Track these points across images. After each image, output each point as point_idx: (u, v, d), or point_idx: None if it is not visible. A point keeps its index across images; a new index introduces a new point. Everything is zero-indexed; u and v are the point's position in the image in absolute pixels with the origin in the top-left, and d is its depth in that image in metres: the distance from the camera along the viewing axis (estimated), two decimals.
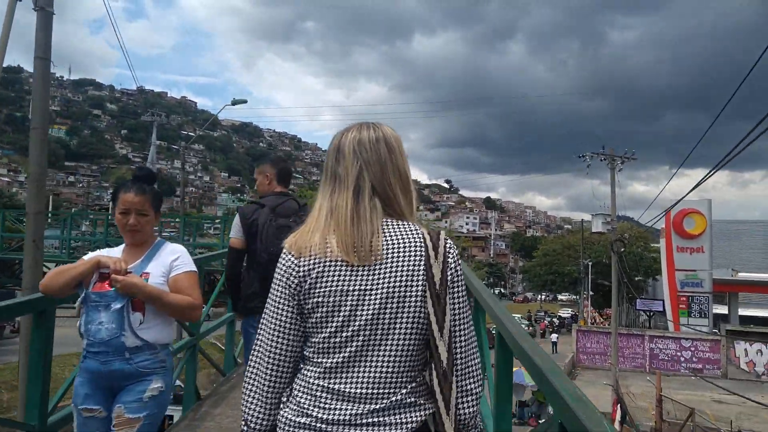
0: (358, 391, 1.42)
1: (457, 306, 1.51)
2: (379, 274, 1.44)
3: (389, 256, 1.46)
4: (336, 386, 1.44)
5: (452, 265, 1.51)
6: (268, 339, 1.51)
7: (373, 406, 1.42)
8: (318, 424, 1.42)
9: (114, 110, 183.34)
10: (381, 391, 1.43)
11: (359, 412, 1.41)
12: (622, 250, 23.17)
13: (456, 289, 1.51)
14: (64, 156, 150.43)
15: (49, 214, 26.88)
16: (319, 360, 1.46)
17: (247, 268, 3.62)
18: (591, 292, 47.09)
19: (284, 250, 1.52)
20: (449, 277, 1.49)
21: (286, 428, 1.46)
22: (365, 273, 1.44)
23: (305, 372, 1.50)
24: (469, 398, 1.50)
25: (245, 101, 22.81)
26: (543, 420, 15.67)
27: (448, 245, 1.53)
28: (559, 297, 75.45)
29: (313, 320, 1.46)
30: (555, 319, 51.07)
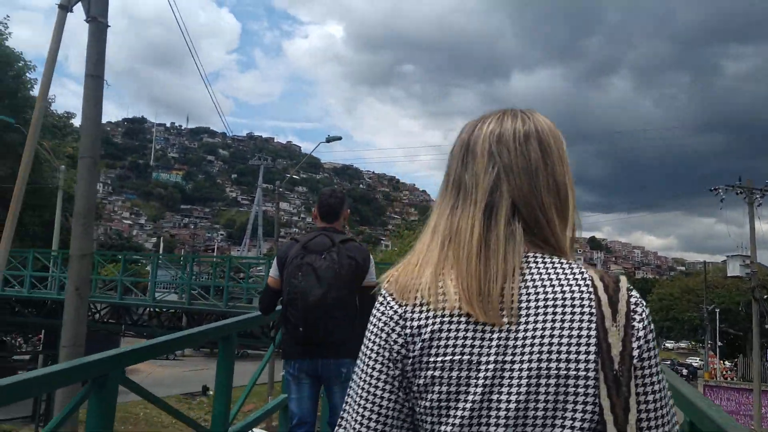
0: None
1: (648, 397, 0.91)
2: (522, 339, 0.91)
3: (535, 312, 0.92)
4: None
5: (641, 333, 0.93)
6: (354, 425, 0.97)
7: None
8: None
9: (226, 156, 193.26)
10: None
11: None
12: (766, 296, 20.63)
13: (647, 371, 0.92)
14: (181, 199, 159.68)
15: (160, 256, 27.71)
16: None
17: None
18: (716, 342, 43.04)
19: (382, 291, 1.03)
20: (637, 352, 0.91)
21: None
22: (502, 336, 0.92)
23: None
24: None
25: (340, 138, 23.25)
26: None
27: (633, 300, 0.95)
28: (666, 344, 69.90)
29: (427, 404, 0.93)
30: (684, 369, 46.64)
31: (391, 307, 1.00)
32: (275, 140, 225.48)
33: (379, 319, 1.01)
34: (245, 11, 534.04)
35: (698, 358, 52.32)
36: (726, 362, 43.62)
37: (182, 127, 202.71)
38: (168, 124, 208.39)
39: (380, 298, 1.02)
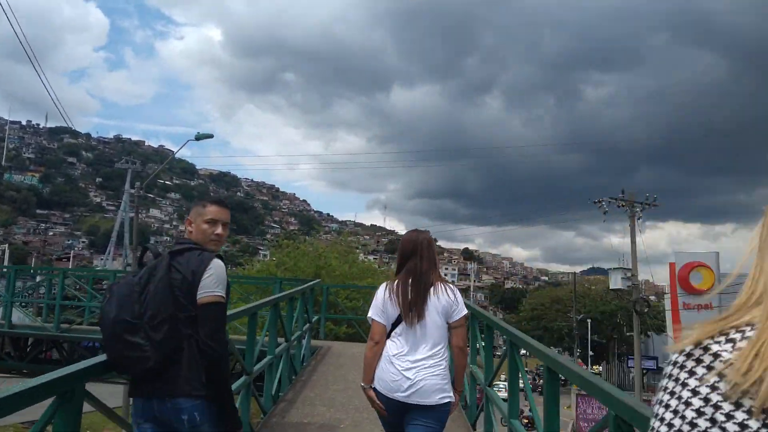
0: None
1: None
2: None
3: None
4: None
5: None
6: None
7: None
8: None
9: (90, 158, 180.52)
10: None
11: None
12: (647, 310, 21.18)
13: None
14: (36, 203, 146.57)
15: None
16: None
17: None
18: (580, 350, 45.01)
19: (676, 354, 0.76)
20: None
21: None
22: None
23: None
24: None
25: (211, 136, 21.64)
26: None
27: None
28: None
29: None
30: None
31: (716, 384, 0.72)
32: (146, 143, 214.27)
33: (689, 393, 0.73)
34: (114, 7, 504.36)
35: None
36: (594, 368, 45.66)
37: (40, 126, 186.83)
38: (24, 122, 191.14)
39: (680, 363, 0.75)
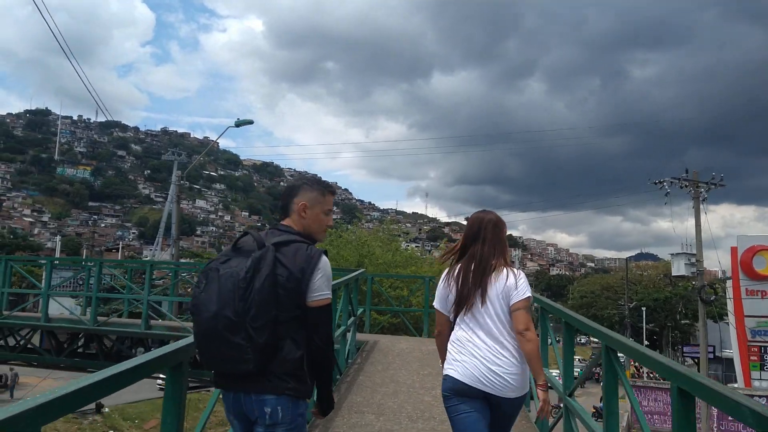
0: None
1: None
2: None
3: None
4: None
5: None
6: None
7: None
8: None
9: (138, 151, 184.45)
10: None
11: None
12: (713, 298, 19.96)
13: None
14: (89, 196, 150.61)
15: (56, 260, 24.42)
16: None
17: None
18: (633, 338, 43.55)
19: None
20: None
21: None
22: None
23: None
24: None
25: (251, 122, 21.51)
26: None
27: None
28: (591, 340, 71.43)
29: None
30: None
31: None
32: (191, 135, 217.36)
33: None
34: (159, 2, 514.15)
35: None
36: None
37: (91, 120, 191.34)
38: (75, 117, 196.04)
39: None
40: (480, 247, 3.28)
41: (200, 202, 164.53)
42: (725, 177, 21.85)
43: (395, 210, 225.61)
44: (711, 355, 41.43)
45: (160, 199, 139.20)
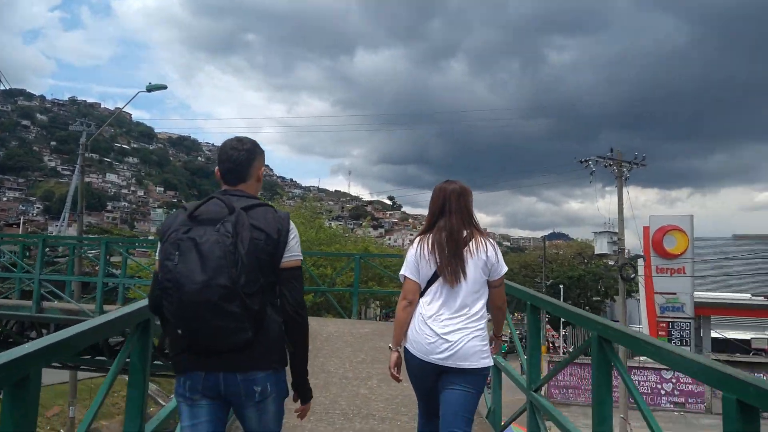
0: None
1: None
2: None
3: None
4: None
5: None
6: None
7: None
8: None
9: (44, 121, 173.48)
10: None
11: None
12: (633, 276, 20.44)
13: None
14: None
15: None
16: None
17: None
18: (549, 316, 44.95)
19: None
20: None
21: None
22: None
23: None
24: None
25: (164, 87, 20.09)
26: None
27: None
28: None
29: None
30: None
31: None
32: (102, 106, 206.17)
33: None
34: None
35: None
36: (555, 335, 45.68)
37: None
38: None
39: None
40: (448, 219, 3.19)
41: (111, 176, 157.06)
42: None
43: (317, 188, 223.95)
44: None
45: (67, 173, 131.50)
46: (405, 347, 3.14)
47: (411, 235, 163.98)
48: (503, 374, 5.17)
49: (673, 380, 26.67)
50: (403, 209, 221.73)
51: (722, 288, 33.91)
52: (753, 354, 30.36)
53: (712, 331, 31.34)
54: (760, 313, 32.81)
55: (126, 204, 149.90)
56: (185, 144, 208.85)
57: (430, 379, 3.10)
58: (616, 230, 20.08)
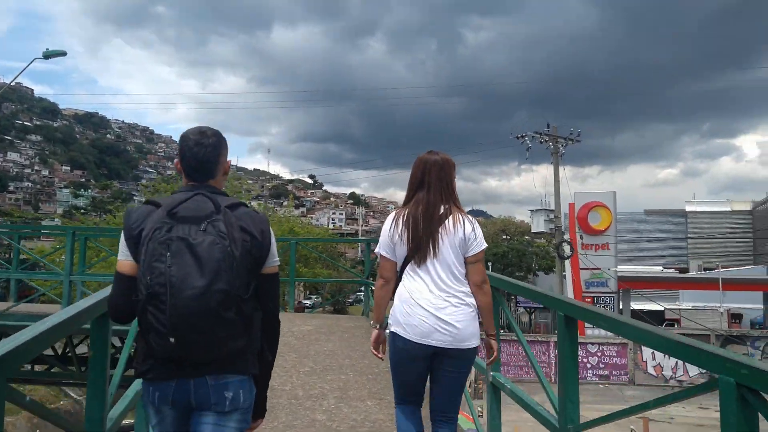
0: None
1: None
2: None
3: None
4: None
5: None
6: None
7: None
8: None
9: None
10: None
11: None
12: (571, 254, 20.28)
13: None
14: None
15: None
16: None
17: None
18: None
19: None
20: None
21: None
22: None
23: None
24: None
25: (63, 53, 18.49)
26: None
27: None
28: None
29: None
30: None
31: None
32: (0, 80, 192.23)
33: None
34: None
35: None
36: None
37: None
38: None
39: None
40: (426, 193, 3.09)
41: (13, 155, 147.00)
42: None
43: (236, 166, 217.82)
44: (541, 305, 44.32)
45: None
46: (393, 331, 2.99)
47: (333, 213, 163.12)
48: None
49: (599, 354, 27.23)
50: (324, 188, 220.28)
51: (636, 262, 35.01)
52: (666, 325, 31.50)
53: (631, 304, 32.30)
54: (672, 285, 34.11)
55: (30, 184, 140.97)
56: (93, 121, 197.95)
57: (422, 364, 2.99)
58: (546, 207, 19.97)
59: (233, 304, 2.09)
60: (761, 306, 41.92)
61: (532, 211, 21.97)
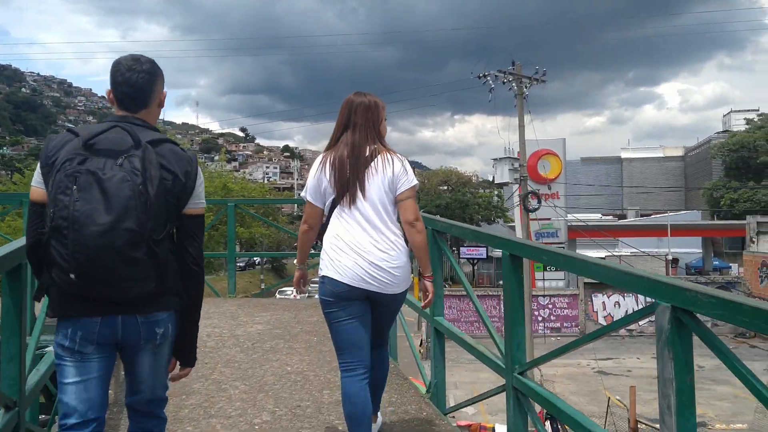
0: None
1: None
2: None
3: None
4: None
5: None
6: None
7: None
8: None
9: None
10: None
11: None
12: (537, 207, 19.12)
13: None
14: None
15: None
16: None
17: None
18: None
19: None
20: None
21: None
22: None
23: None
24: None
25: None
26: None
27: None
28: None
29: None
30: None
31: None
32: None
33: None
34: None
35: None
36: None
37: None
38: None
39: None
40: (351, 133, 2.99)
41: None
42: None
43: (162, 120, 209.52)
44: (484, 256, 43.94)
45: None
46: (327, 276, 2.87)
47: (268, 167, 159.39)
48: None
49: (550, 306, 26.78)
50: (257, 141, 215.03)
51: (575, 211, 34.74)
52: None
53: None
54: (619, 233, 34.07)
55: None
56: (5, 74, 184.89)
57: (356, 306, 2.90)
58: (510, 156, 18.66)
59: (143, 245, 2.02)
60: (698, 250, 42.98)
61: (495, 160, 20.67)
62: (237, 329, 5.80)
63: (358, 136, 2.96)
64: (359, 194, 2.88)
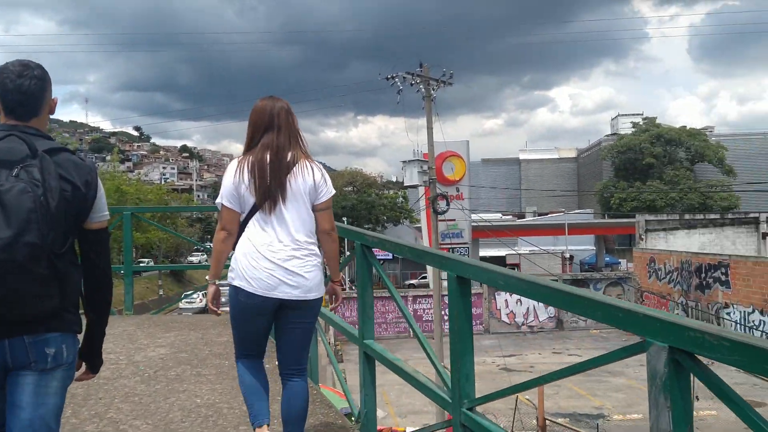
0: None
1: None
2: None
3: None
4: None
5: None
6: None
7: None
8: None
9: None
10: None
11: None
12: (445, 209, 19.03)
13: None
14: None
15: None
16: None
17: None
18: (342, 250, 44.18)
19: None
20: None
21: None
22: None
23: None
24: None
25: None
26: None
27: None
28: None
29: None
30: None
31: None
32: None
33: None
34: None
35: None
36: None
37: None
38: None
39: None
40: (275, 136, 2.88)
41: None
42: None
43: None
44: (390, 256, 44.18)
45: None
46: (236, 285, 2.78)
47: (164, 168, 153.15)
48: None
49: None
50: (152, 140, 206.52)
51: (475, 211, 35.53)
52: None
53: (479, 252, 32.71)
54: (519, 232, 35.14)
55: None
56: None
57: (268, 318, 2.85)
58: (419, 158, 18.65)
59: (44, 259, 1.93)
60: (592, 248, 45.20)
61: (404, 162, 20.57)
62: (136, 354, 5.16)
63: (283, 139, 2.88)
64: (280, 201, 2.81)
